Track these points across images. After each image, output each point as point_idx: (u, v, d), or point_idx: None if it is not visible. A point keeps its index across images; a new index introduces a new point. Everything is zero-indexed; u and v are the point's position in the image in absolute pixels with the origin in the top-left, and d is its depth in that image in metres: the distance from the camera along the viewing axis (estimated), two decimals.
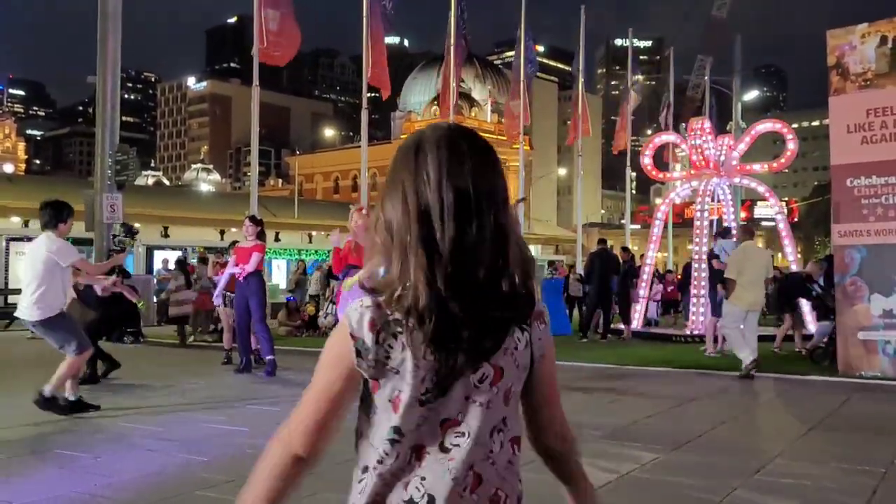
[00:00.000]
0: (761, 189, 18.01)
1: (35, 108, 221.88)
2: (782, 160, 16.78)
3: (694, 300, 14.85)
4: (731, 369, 9.69)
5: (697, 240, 15.62)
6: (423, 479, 1.13)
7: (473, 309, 1.11)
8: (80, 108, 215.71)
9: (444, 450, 1.13)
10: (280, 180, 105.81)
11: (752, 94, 55.20)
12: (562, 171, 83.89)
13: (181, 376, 8.94)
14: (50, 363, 8.40)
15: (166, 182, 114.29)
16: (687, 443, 5.30)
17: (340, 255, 7.68)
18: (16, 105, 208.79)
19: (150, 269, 23.50)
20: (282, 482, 1.18)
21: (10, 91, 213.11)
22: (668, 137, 19.71)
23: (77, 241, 23.67)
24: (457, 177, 1.13)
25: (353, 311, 1.15)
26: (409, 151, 1.18)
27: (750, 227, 11.29)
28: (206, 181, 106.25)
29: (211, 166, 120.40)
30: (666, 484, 4.12)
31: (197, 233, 39.43)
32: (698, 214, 15.93)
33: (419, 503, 1.12)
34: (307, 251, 32.21)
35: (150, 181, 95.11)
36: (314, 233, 47.08)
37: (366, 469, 1.17)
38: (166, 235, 37.46)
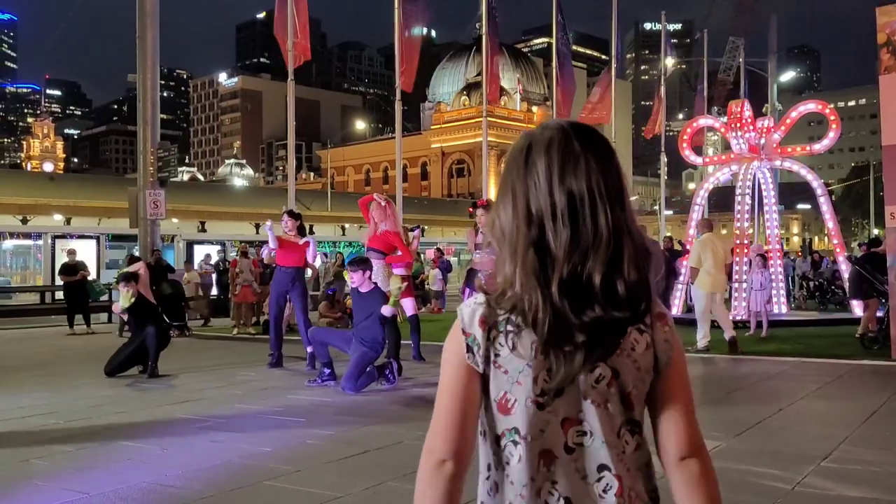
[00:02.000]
0: (803, 171, 17.68)
1: (72, 107, 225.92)
2: (825, 142, 16.44)
3: (736, 286, 14.66)
4: (778, 354, 9.58)
5: (739, 224, 15.41)
6: (554, 482, 1.12)
7: (587, 311, 1.10)
8: (115, 106, 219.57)
9: (568, 450, 1.12)
10: (311, 173, 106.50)
11: (788, 75, 54.18)
12: None
13: (232, 369, 9.06)
14: (99, 358, 8.61)
15: (200, 177, 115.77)
16: (747, 430, 5.25)
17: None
18: (53, 105, 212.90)
19: (189, 264, 23.81)
20: (440, 490, 1.15)
21: (48, 91, 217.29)
22: (707, 122, 19.43)
23: (122, 238, 24.14)
24: (569, 178, 1.12)
25: (466, 307, 1.16)
26: (520, 154, 1.17)
27: (709, 221, 11.85)
28: (240, 176, 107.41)
29: (244, 161, 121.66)
30: (733, 472, 4.08)
31: (233, 227, 39.93)
32: (739, 199, 15.70)
33: None
34: (341, 243, 32.45)
35: (186, 177, 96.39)
36: (347, 225, 47.38)
37: (489, 467, 1.18)
38: (203, 230, 37.99)
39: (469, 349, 1.14)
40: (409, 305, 9.09)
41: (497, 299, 1.14)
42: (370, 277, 7.54)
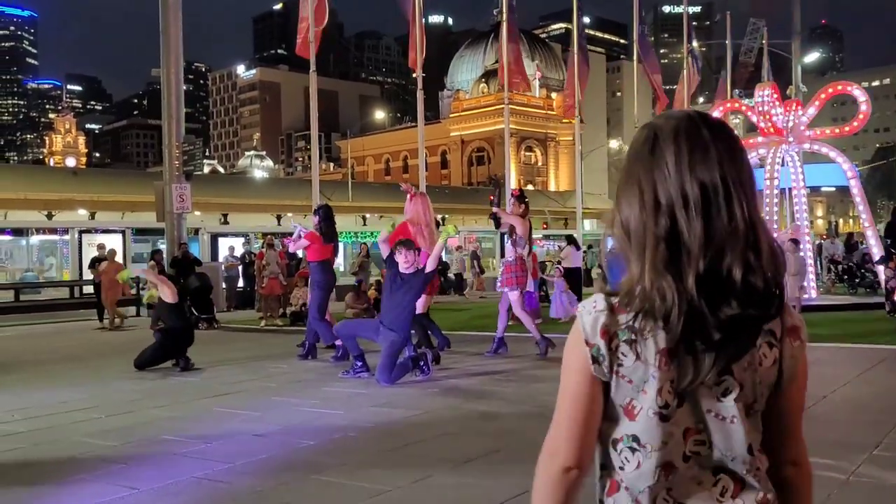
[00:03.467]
0: (832, 153, 17.40)
1: (92, 102, 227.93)
2: (854, 123, 16.18)
3: None
4: (813, 340, 9.44)
5: (767, 208, 15.22)
6: (669, 490, 1.09)
7: (724, 308, 1.04)
8: (136, 100, 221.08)
9: (685, 459, 1.10)
10: (331, 164, 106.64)
11: (812, 57, 53.37)
12: (613, 144, 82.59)
13: (263, 361, 9.10)
14: (131, 352, 8.67)
15: (221, 170, 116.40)
16: None
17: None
18: (74, 101, 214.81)
19: (214, 257, 23.98)
20: (562, 494, 1.15)
21: (68, 87, 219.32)
22: (735, 105, 19.17)
23: (148, 231, 24.31)
24: (701, 167, 1.07)
25: (586, 314, 1.11)
26: (644, 144, 1.12)
27: None
28: (260, 168, 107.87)
29: (264, 153, 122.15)
30: None
31: (255, 219, 40.07)
32: (767, 182, 15.51)
33: None
34: (363, 233, 32.50)
35: (207, 169, 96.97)
36: (368, 215, 47.42)
37: (604, 467, 1.16)
38: (226, 222, 38.17)
39: (595, 360, 1.10)
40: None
41: (623, 299, 1.09)
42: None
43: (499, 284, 8.88)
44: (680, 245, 1.05)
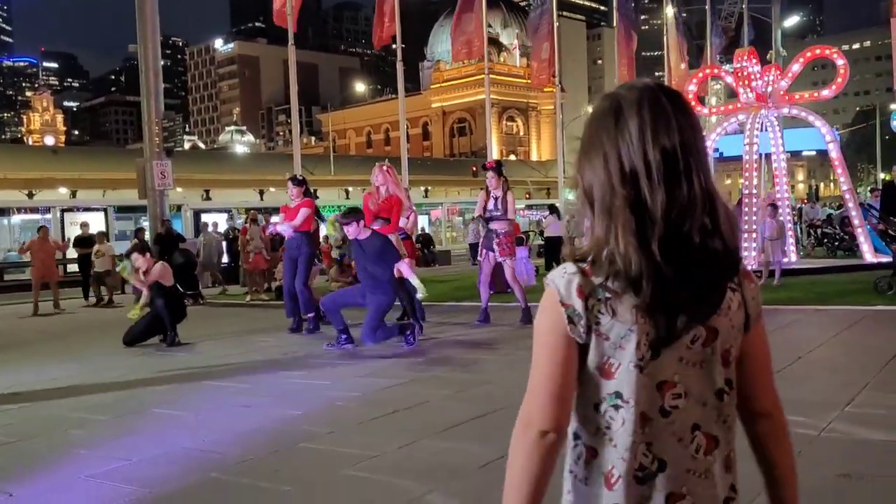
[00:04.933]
0: (811, 118, 17.52)
1: (69, 79, 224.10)
2: (833, 87, 16.28)
3: (745, 236, 14.66)
4: (792, 303, 9.62)
5: (747, 174, 15.35)
6: (649, 444, 1.13)
7: (689, 271, 1.09)
8: (113, 76, 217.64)
9: (664, 413, 1.13)
10: (312, 138, 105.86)
11: (791, 21, 53.34)
12: None
13: (250, 335, 9.17)
14: (118, 328, 8.70)
15: (202, 146, 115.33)
16: None
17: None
18: (51, 78, 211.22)
19: (197, 233, 23.91)
20: (537, 461, 1.15)
21: (44, 64, 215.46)
22: (714, 71, 19.22)
23: (131, 209, 24.16)
24: (663, 136, 1.10)
25: (559, 278, 1.14)
26: (607, 113, 1.15)
27: None
28: (241, 143, 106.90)
29: (244, 128, 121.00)
30: None
31: (237, 194, 39.89)
32: (746, 148, 15.62)
33: (650, 468, 1.13)
34: (345, 207, 32.44)
35: (187, 146, 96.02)
36: (350, 188, 47.30)
37: (577, 436, 1.18)
38: (208, 198, 37.95)
39: (571, 321, 1.12)
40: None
41: (592, 264, 1.12)
42: (365, 226, 7.51)
43: (497, 255, 8.83)
44: (643, 211, 1.10)
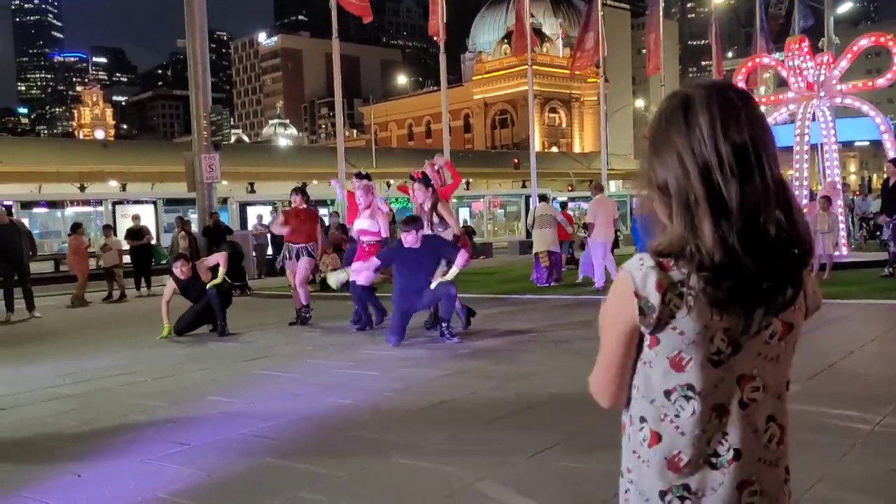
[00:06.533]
0: (865, 108, 17.08)
1: (118, 74, 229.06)
2: (889, 75, 15.82)
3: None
4: (843, 297, 9.43)
5: (797, 165, 15.06)
6: (725, 434, 1.17)
7: (767, 264, 1.13)
8: (160, 71, 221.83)
9: (743, 406, 1.18)
10: (354, 131, 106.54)
11: (845, 7, 51.87)
12: (639, 104, 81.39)
13: (297, 326, 9.31)
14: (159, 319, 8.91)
15: (246, 139, 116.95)
16: (819, 373, 5.25)
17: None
18: (100, 73, 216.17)
19: (243, 225, 24.33)
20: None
21: (94, 59, 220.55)
22: (765, 60, 18.85)
23: (179, 202, 24.61)
24: (733, 131, 1.14)
25: (635, 269, 1.17)
26: (677, 110, 1.18)
27: (600, 185, 13.97)
28: (284, 136, 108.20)
29: (287, 121, 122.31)
30: (810, 413, 4.10)
31: (281, 187, 40.30)
32: (797, 139, 15.31)
33: (725, 455, 1.17)
34: (389, 199, 32.58)
35: (232, 139, 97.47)
36: (392, 181, 47.51)
37: (642, 419, 1.22)
38: (252, 191, 38.48)
39: (642, 312, 1.16)
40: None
41: (674, 259, 1.15)
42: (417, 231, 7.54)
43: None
44: (720, 206, 1.12)
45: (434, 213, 8.31)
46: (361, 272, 8.00)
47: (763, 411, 1.19)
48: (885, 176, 13.97)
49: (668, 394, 1.19)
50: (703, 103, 1.16)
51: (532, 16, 43.17)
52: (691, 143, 1.15)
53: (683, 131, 1.16)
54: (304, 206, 9.75)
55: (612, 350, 1.22)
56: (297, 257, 9.50)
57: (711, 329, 1.14)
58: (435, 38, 21.80)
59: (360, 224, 8.73)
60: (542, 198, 15.84)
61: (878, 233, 19.48)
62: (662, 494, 1.19)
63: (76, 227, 14.76)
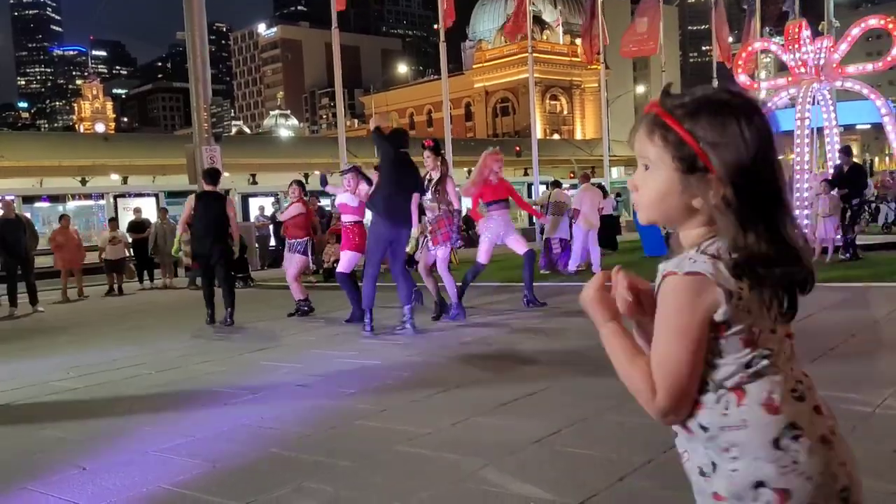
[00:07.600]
0: (865, 91, 17.01)
1: (117, 67, 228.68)
2: (888, 58, 15.76)
3: (797, 213, 14.37)
4: (844, 280, 9.44)
5: (798, 150, 15.01)
6: (799, 381, 1.27)
7: (801, 258, 1.24)
8: (160, 63, 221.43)
9: (789, 358, 1.29)
10: (356, 120, 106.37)
11: None
12: (640, 90, 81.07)
13: (299, 316, 9.35)
14: (173, 311, 8.98)
15: (247, 130, 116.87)
16: (820, 356, 5.27)
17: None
18: (99, 66, 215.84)
19: (245, 217, 24.34)
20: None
21: (93, 52, 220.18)
22: (764, 45, 18.77)
23: (181, 194, 24.67)
24: (768, 147, 1.24)
25: (700, 263, 1.22)
26: (729, 122, 1.24)
27: (587, 174, 14.86)
28: (285, 126, 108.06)
29: (288, 111, 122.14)
30: None
31: (283, 178, 40.21)
32: (798, 123, 15.27)
33: (799, 388, 1.26)
34: None
35: (233, 130, 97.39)
36: None
37: (721, 386, 1.24)
38: (254, 182, 38.45)
39: (729, 295, 1.21)
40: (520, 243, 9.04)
41: (729, 250, 1.23)
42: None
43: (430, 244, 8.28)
44: (773, 201, 1.23)
45: (437, 188, 8.10)
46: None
47: (794, 358, 1.30)
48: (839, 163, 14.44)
49: (748, 364, 1.24)
50: (746, 107, 1.26)
51: (532, 3, 43.01)
52: (738, 153, 1.23)
53: (734, 130, 1.23)
54: (302, 199, 9.77)
55: (684, 358, 1.23)
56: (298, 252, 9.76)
57: (769, 303, 1.24)
58: (435, 26, 21.69)
59: (341, 198, 8.77)
60: (556, 184, 15.78)
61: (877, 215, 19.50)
62: (775, 443, 1.21)
63: (62, 219, 14.77)
